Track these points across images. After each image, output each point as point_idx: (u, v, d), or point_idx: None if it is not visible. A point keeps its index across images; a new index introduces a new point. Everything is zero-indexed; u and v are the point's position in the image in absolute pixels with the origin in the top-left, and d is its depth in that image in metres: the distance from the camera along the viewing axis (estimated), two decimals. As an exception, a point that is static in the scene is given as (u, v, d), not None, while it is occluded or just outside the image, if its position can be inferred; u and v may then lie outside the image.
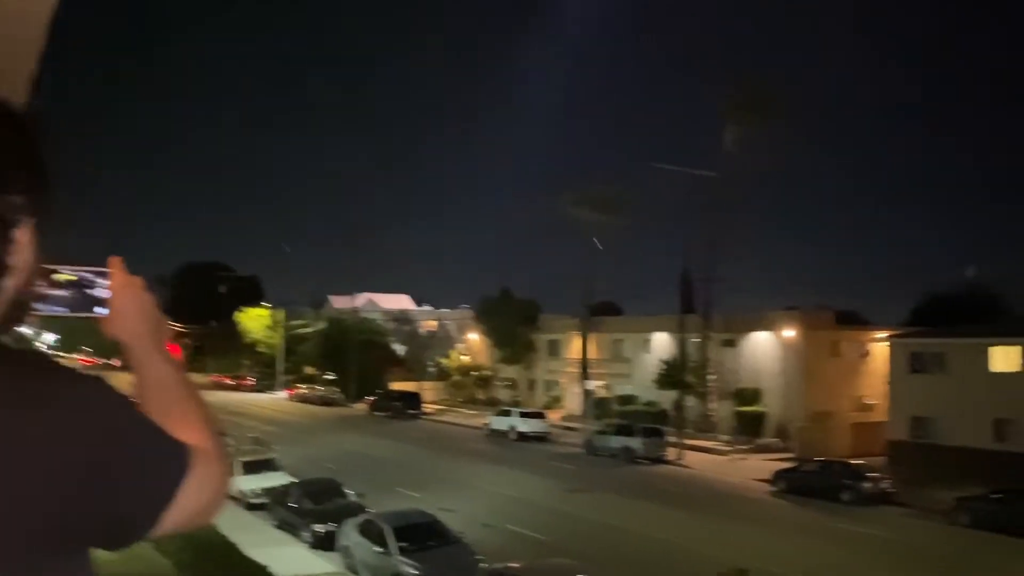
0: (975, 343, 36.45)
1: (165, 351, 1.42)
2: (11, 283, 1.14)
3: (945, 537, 24.93)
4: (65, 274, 1.46)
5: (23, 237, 1.13)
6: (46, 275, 1.46)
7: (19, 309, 1.20)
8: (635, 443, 37.90)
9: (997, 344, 35.81)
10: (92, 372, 1.17)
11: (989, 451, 33.95)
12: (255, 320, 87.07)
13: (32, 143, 1.15)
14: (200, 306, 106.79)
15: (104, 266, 1.49)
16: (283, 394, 72.41)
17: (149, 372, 1.37)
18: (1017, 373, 34.63)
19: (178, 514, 1.14)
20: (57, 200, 1.18)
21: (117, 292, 1.45)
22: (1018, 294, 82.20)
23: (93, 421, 1.07)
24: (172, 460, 1.16)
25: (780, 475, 31.85)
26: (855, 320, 51.96)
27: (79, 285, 1.47)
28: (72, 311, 1.47)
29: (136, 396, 1.35)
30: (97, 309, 1.48)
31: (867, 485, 29.27)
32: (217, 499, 1.25)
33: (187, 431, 1.24)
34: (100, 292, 1.50)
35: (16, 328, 1.23)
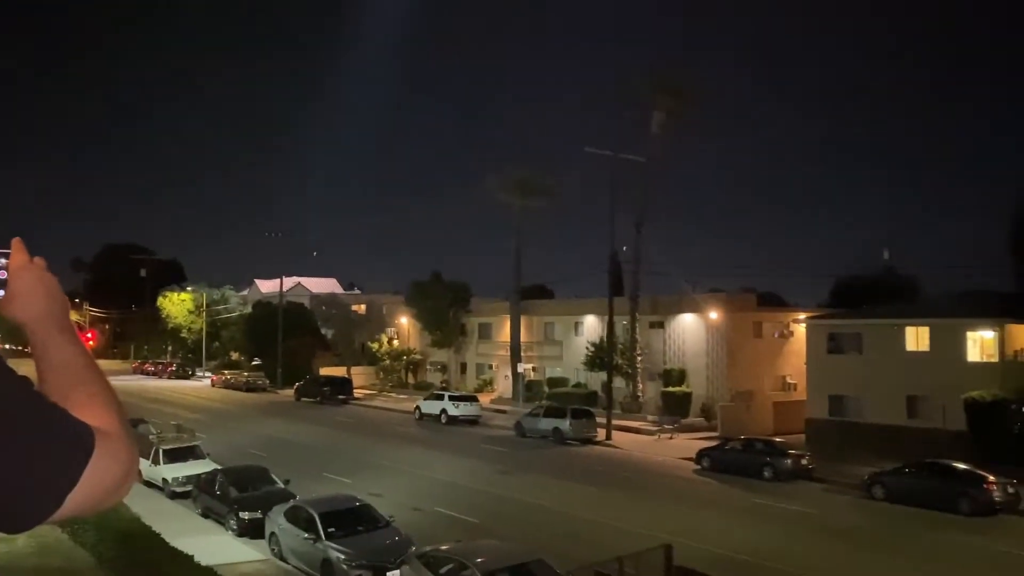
0: (889, 324, 37.95)
1: (68, 332, 1.38)
2: None
3: (860, 510, 25.97)
4: None
5: None
6: None
7: None
8: (565, 425, 38.35)
9: (910, 324, 37.36)
10: None
11: (902, 427, 35.47)
12: (177, 305, 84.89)
13: None
14: (120, 290, 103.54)
15: (6, 248, 1.44)
16: (207, 380, 70.78)
17: (51, 354, 1.33)
18: (928, 352, 36.22)
19: (82, 496, 1.12)
20: None
21: (15, 272, 1.41)
22: (931, 276, 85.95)
23: None
24: (75, 442, 1.13)
25: (704, 453, 32.65)
26: (777, 302, 53.62)
27: None
28: None
29: (38, 378, 1.30)
30: (0, 291, 1.44)
31: (787, 462, 30.23)
32: (123, 481, 1.23)
33: (91, 413, 1.21)
34: (2, 274, 1.44)
35: None
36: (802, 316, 45.05)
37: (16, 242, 1.42)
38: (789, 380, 46.26)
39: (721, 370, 45.34)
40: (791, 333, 46.94)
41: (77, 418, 1.15)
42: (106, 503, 1.19)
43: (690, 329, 47.42)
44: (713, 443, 34.40)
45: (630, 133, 47.60)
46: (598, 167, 45.82)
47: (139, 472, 1.33)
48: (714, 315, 45.85)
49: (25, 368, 1.23)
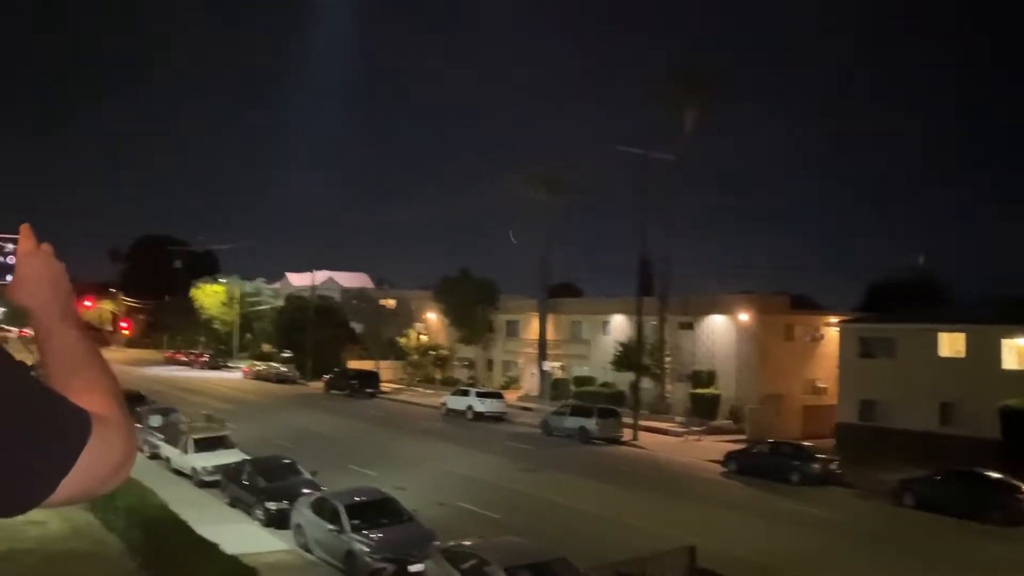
0: (923, 329, 37.37)
1: (72, 319, 1.41)
2: None
3: (888, 517, 25.62)
4: None
5: None
6: None
7: None
8: (591, 424, 38.25)
9: (944, 330, 36.75)
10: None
11: (934, 434, 34.92)
12: (211, 296, 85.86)
13: None
14: (155, 280, 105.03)
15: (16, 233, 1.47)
16: (238, 371, 71.60)
17: (54, 340, 1.36)
18: (962, 359, 35.61)
19: (77, 481, 1.13)
20: None
21: (23, 259, 1.43)
22: (965, 281, 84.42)
23: None
24: (71, 427, 1.14)
25: (731, 456, 32.40)
26: (809, 305, 52.95)
27: None
28: None
29: (41, 363, 1.32)
30: (9, 277, 1.47)
31: (815, 466, 29.90)
32: (120, 468, 1.24)
33: (91, 399, 1.23)
34: (11, 260, 1.47)
35: None
36: (834, 320, 44.50)
37: (24, 228, 1.44)
38: (819, 384, 45.70)
39: (751, 373, 44.92)
40: (823, 336, 46.39)
41: (74, 404, 1.16)
42: (102, 489, 1.21)
43: (720, 331, 47.04)
44: (741, 446, 34.12)
45: (663, 132, 47.21)
46: (630, 166, 45.57)
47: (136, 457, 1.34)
48: (745, 317, 45.43)
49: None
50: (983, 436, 32.23)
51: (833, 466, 30.36)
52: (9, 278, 1.45)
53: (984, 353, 34.83)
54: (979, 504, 24.91)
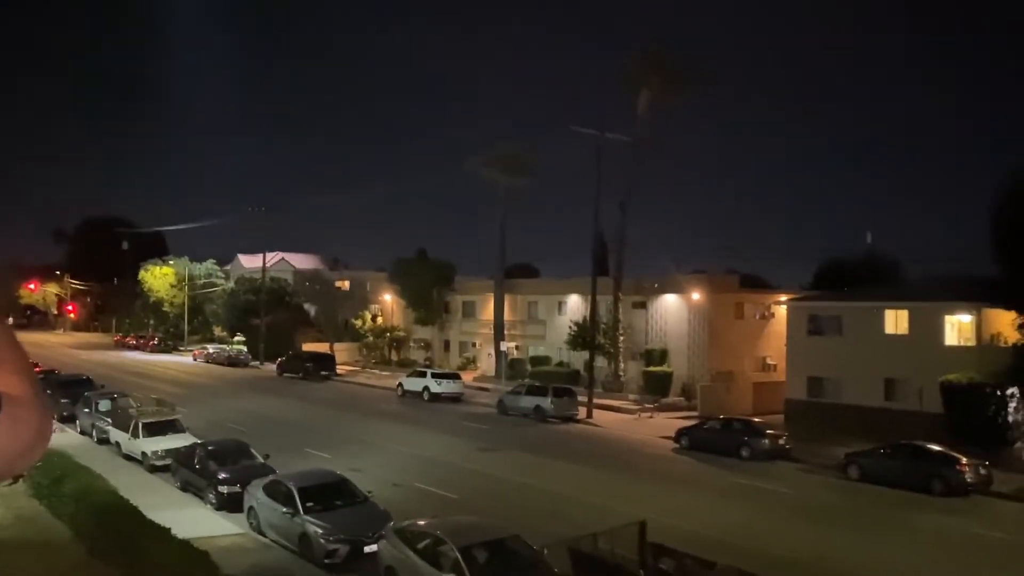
0: (869, 307, 38.27)
1: None
2: None
3: (835, 490, 26.32)
4: None
5: None
6: None
7: None
8: (546, 403, 38.53)
9: (890, 308, 37.68)
10: None
11: (880, 409, 35.89)
12: (159, 279, 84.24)
13: None
14: (102, 263, 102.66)
15: None
16: (189, 355, 70.50)
17: None
18: (907, 336, 36.57)
19: None
20: None
21: None
22: (913, 261, 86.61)
23: None
24: None
25: (683, 432, 32.92)
26: (759, 284, 53.89)
27: None
28: None
29: None
30: None
31: (765, 442, 30.52)
32: (32, 446, 1.23)
33: (1, 378, 1.21)
34: None
35: None
36: (784, 298, 45.32)
37: None
38: (769, 361, 46.59)
39: (702, 350, 45.61)
40: (773, 315, 47.23)
41: None
42: (16, 467, 1.20)
43: (672, 309, 47.62)
44: (692, 422, 34.66)
45: (619, 114, 47.40)
46: (585, 147, 45.71)
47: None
48: (696, 296, 46.05)
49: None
50: (926, 410, 33.24)
51: (782, 441, 31.03)
52: None
53: (927, 330, 35.82)
54: (921, 476, 25.73)
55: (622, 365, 47.55)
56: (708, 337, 45.48)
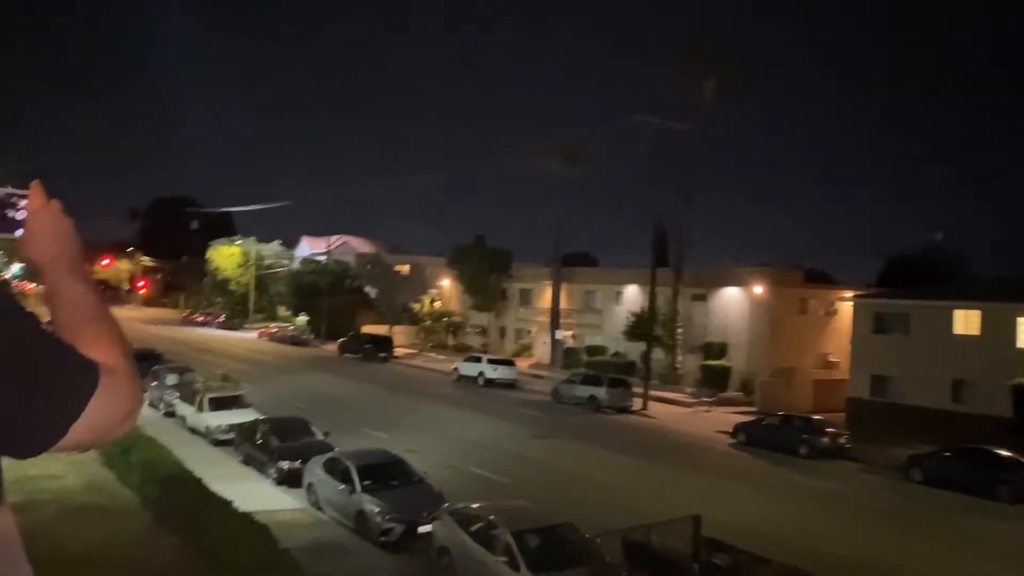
0: (938, 306, 37.15)
1: (79, 273, 1.44)
2: None
3: (896, 492, 25.71)
4: None
5: None
6: None
7: None
8: (601, 393, 38.41)
9: (960, 307, 36.52)
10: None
11: (945, 411, 34.87)
12: (227, 257, 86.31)
13: None
14: (172, 241, 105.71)
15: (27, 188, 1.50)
16: (253, 333, 72.21)
17: (62, 293, 1.39)
18: (977, 336, 35.42)
19: (85, 428, 1.18)
20: None
21: (33, 215, 1.47)
22: (982, 259, 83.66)
23: None
24: (81, 376, 1.19)
25: (740, 428, 32.51)
26: (824, 279, 52.74)
27: (1, 205, 1.48)
28: None
29: (51, 317, 1.37)
30: (20, 231, 1.49)
31: (824, 440, 29.95)
32: (127, 416, 1.28)
33: (98, 350, 1.27)
34: (22, 214, 1.50)
35: None
36: (849, 294, 44.30)
37: (35, 185, 1.48)
38: (831, 358, 45.63)
39: (763, 345, 44.89)
40: (836, 311, 46.23)
41: (83, 354, 1.21)
42: (109, 436, 1.26)
43: (733, 303, 46.95)
44: (750, 418, 34.20)
45: (682, 103, 46.63)
46: (648, 138, 45.13)
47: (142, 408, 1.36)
48: (759, 290, 45.30)
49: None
50: (994, 414, 32.16)
51: (842, 440, 30.42)
52: (20, 232, 1.48)
53: (999, 331, 34.63)
54: (988, 481, 24.94)
55: (680, 358, 47.11)
56: (769, 332, 44.73)
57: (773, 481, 26.10)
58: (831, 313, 46.71)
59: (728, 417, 36.02)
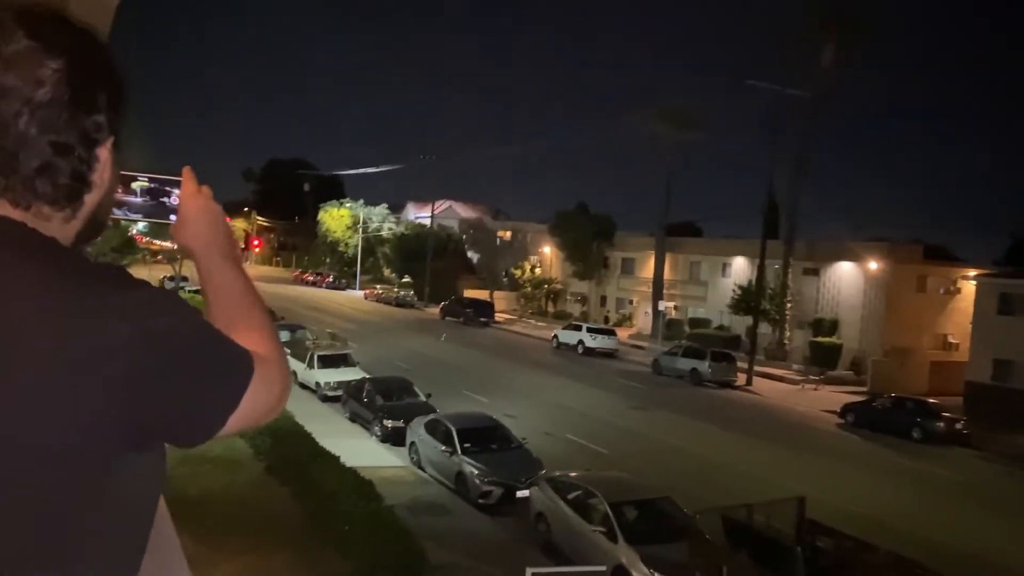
0: (1074, 288, 34.70)
1: (231, 260, 1.46)
2: (93, 199, 1.22)
3: (1016, 481, 24.40)
4: (141, 181, 1.50)
5: (104, 155, 1.21)
6: (124, 183, 1.52)
7: (98, 223, 1.28)
8: (703, 366, 37.77)
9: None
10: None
11: (1075, 400, 32.70)
12: (337, 220, 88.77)
13: (111, 65, 1.21)
14: (285, 201, 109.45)
15: (178, 174, 1.53)
16: (359, 293, 74.32)
17: (216, 280, 1.41)
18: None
19: (242, 416, 1.20)
20: (129, 116, 1.24)
21: (186, 200, 1.49)
22: None
23: (167, 326, 1.11)
24: (238, 366, 1.21)
25: (849, 408, 31.44)
26: (945, 256, 50.00)
27: (153, 192, 1.52)
28: (146, 217, 1.52)
29: (204, 303, 1.40)
30: (172, 217, 1.52)
31: (940, 424, 28.65)
32: (276, 403, 1.30)
33: (250, 338, 1.29)
34: (174, 200, 1.53)
35: (92, 240, 1.30)
36: (972, 273, 41.87)
37: (187, 171, 1.49)
38: (951, 339, 43.44)
39: (876, 323, 43.07)
40: (958, 290, 43.83)
41: (240, 344, 1.23)
42: (261, 422, 1.28)
43: (847, 278, 45.16)
44: (861, 398, 33.01)
45: (799, 69, 44.69)
46: (759, 103, 43.59)
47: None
48: (874, 265, 43.40)
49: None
50: None
51: (959, 425, 29.01)
52: (172, 218, 1.51)
53: None
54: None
55: (787, 333, 45.77)
56: (884, 310, 42.85)
57: (882, 465, 25.16)
58: (952, 292, 44.34)
59: (836, 396, 34.86)
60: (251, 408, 1.21)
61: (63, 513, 1.06)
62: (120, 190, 1.54)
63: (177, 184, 1.53)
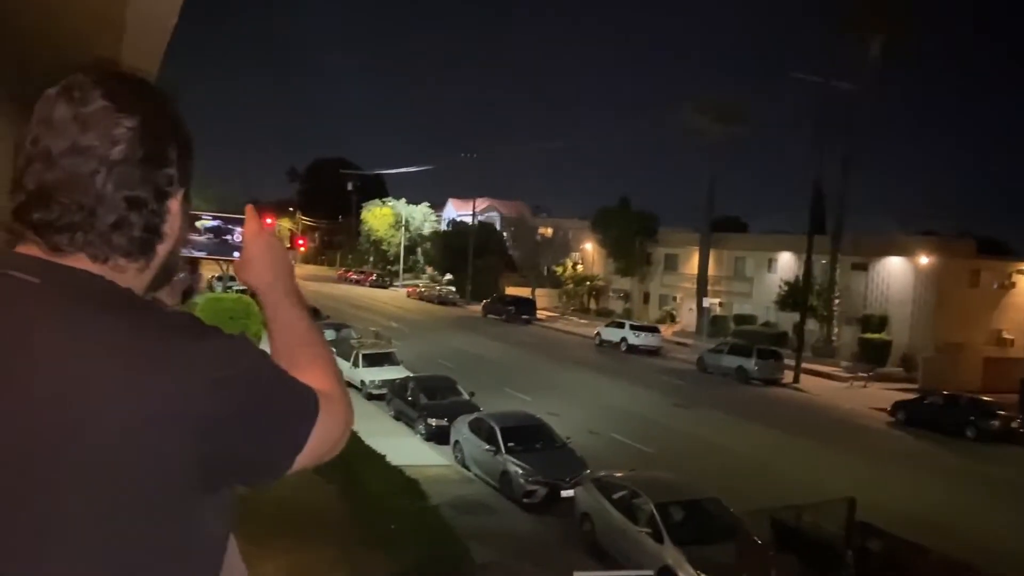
0: None
1: (294, 296, 1.48)
2: (165, 248, 1.26)
3: (1076, 484, 23.63)
4: (205, 220, 1.53)
5: (175, 207, 1.25)
6: (191, 222, 1.56)
7: (169, 271, 1.32)
8: (750, 364, 37.30)
9: None
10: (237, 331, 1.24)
11: None
12: (379, 219, 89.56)
13: (179, 120, 1.26)
14: (329, 201, 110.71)
15: (242, 213, 1.55)
16: (402, 291, 74.88)
17: (280, 317, 1.44)
18: None
19: (309, 454, 1.23)
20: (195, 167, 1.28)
21: (250, 239, 1.51)
22: None
23: (237, 374, 1.14)
24: (304, 407, 1.23)
25: (900, 406, 30.79)
26: (999, 249, 48.76)
27: (218, 231, 1.54)
28: (210, 254, 1.55)
29: (269, 340, 1.43)
30: (236, 254, 1.54)
31: (994, 422, 27.91)
32: (340, 438, 1.33)
33: (313, 375, 1.31)
34: (237, 238, 1.55)
35: (163, 287, 1.34)
36: (1028, 267, 40.76)
37: (249, 209, 1.52)
38: (1005, 335, 42.32)
39: (927, 319, 42.13)
40: (1014, 284, 42.72)
41: (305, 384, 1.24)
42: (326, 458, 1.31)
43: (896, 273, 44.24)
44: (911, 396, 32.31)
45: (846, 61, 43.84)
46: (804, 96, 42.92)
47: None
48: (925, 260, 42.44)
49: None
50: None
51: (1015, 424, 28.21)
52: (236, 255, 1.54)
53: None
54: None
55: (835, 330, 45.00)
56: (935, 305, 41.89)
57: (935, 465, 24.60)
58: (1006, 286, 43.19)
59: (886, 394, 34.17)
60: (318, 445, 1.24)
61: (145, 560, 1.10)
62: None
63: (240, 222, 1.55)
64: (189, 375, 1.10)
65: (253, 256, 1.49)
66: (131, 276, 1.22)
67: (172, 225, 1.25)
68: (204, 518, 1.16)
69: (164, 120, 1.22)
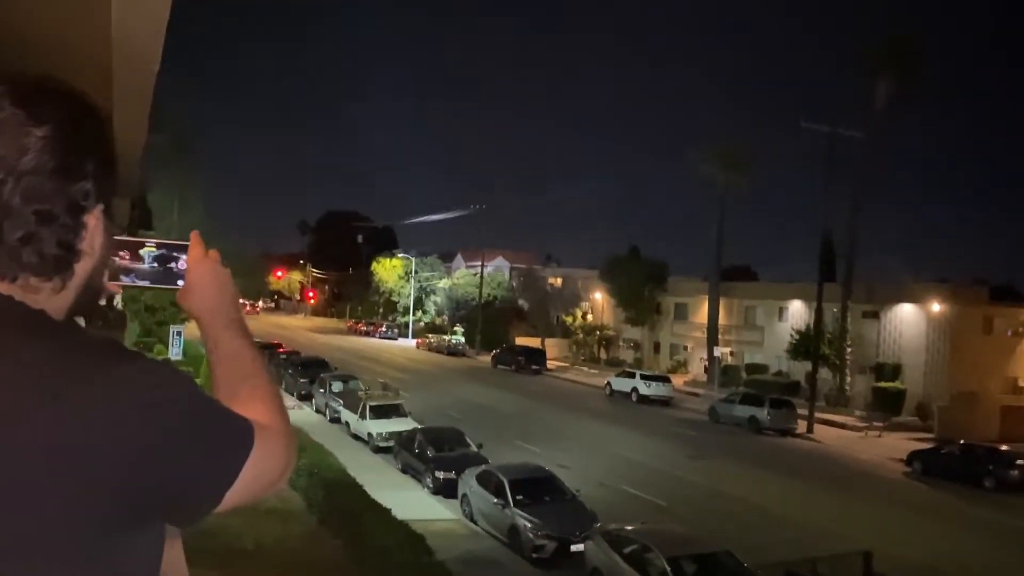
0: None
1: (237, 325, 1.41)
2: (83, 267, 1.18)
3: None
4: (150, 247, 1.47)
5: (92, 222, 1.18)
6: (133, 249, 1.49)
7: (93, 292, 1.24)
8: (762, 413, 36.86)
9: None
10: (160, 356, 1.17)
11: None
12: (389, 270, 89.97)
13: (100, 131, 1.19)
14: (339, 253, 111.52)
15: (186, 240, 1.49)
16: (412, 342, 74.77)
17: (221, 346, 1.37)
18: None
19: (241, 490, 1.15)
20: (118, 184, 1.20)
21: (193, 266, 1.45)
22: None
23: (160, 403, 1.07)
24: (236, 440, 1.16)
25: (916, 455, 30.26)
26: (1012, 296, 48.43)
27: (162, 259, 1.48)
28: (153, 283, 1.48)
29: (210, 369, 1.35)
30: (180, 282, 1.48)
31: (1014, 472, 27.35)
32: (280, 475, 1.25)
33: (253, 408, 1.24)
34: (182, 265, 1.49)
35: (90, 311, 1.26)
36: (1043, 313, 40.40)
37: (194, 235, 1.46)
38: (1021, 383, 41.73)
39: (941, 367, 41.67)
40: (1027, 332, 42.29)
41: (238, 415, 1.18)
42: (263, 494, 1.22)
43: (909, 321, 43.92)
44: (927, 445, 31.78)
45: (853, 108, 44.23)
46: (812, 144, 43.20)
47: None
48: (938, 308, 42.15)
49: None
50: None
51: (1035, 474, 27.65)
52: (180, 283, 1.47)
53: None
54: None
55: (848, 379, 44.53)
56: (949, 353, 41.48)
57: (953, 515, 24.05)
58: (1020, 333, 42.79)
59: (902, 444, 33.63)
60: (253, 480, 1.15)
61: None
62: (128, 257, 1.51)
63: (185, 249, 1.48)
64: (114, 400, 1.03)
65: (195, 283, 1.43)
66: (45, 297, 1.14)
67: (91, 243, 1.18)
68: (129, 555, 1.07)
69: (81, 131, 1.15)
